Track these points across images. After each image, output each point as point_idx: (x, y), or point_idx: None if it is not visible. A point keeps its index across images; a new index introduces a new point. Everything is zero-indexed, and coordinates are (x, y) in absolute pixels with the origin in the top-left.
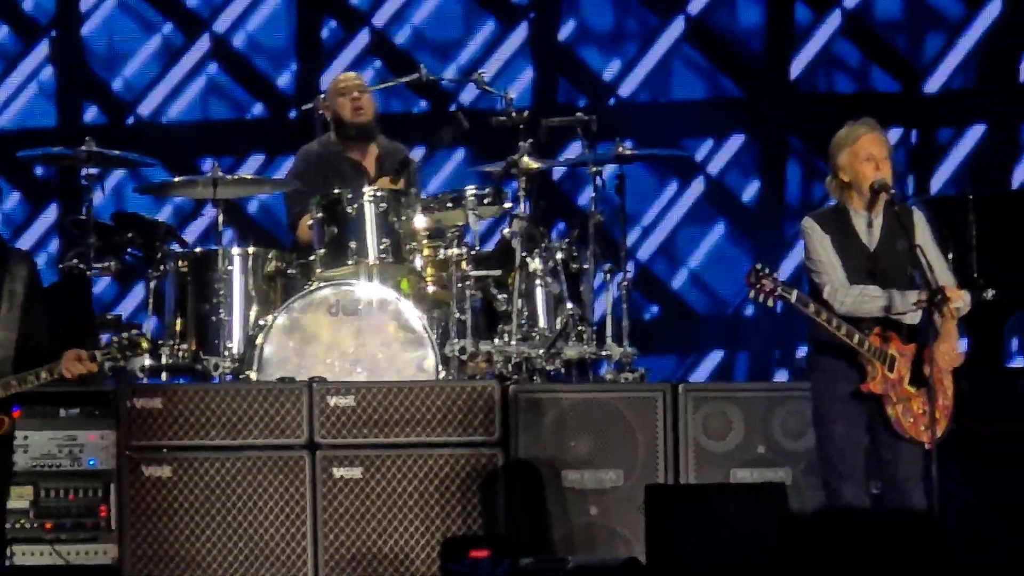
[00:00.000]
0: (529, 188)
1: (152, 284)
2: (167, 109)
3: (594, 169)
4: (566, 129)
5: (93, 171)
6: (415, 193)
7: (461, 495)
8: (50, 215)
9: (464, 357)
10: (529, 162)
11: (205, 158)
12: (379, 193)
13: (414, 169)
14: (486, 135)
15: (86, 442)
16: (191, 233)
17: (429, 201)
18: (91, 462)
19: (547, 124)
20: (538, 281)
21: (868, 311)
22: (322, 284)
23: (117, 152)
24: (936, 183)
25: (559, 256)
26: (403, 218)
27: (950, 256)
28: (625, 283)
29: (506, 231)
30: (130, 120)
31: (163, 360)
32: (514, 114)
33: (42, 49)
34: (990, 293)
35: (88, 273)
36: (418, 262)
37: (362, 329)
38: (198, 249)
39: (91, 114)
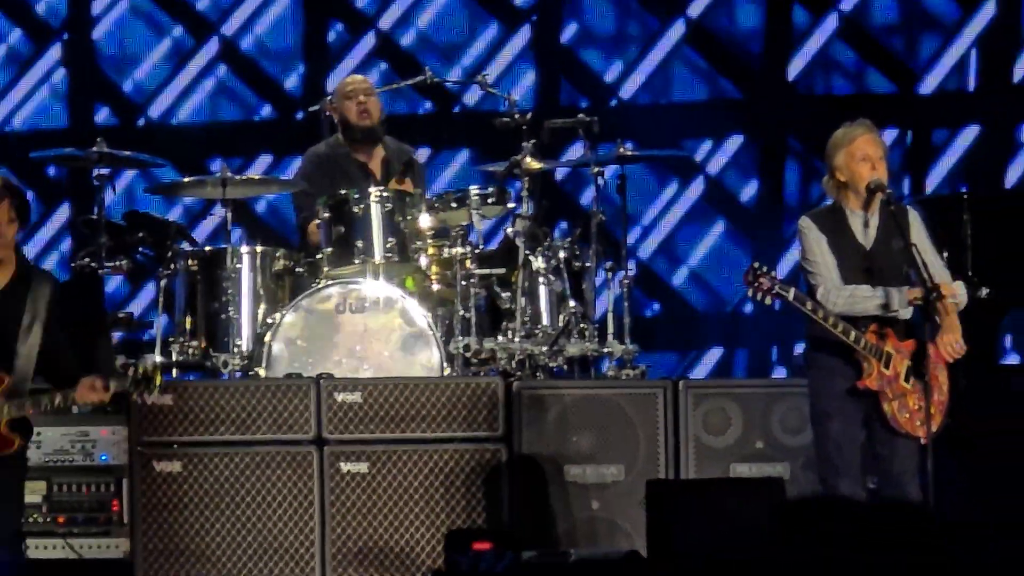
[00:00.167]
0: (532, 188)
1: (163, 282)
2: (177, 111)
3: (596, 169)
4: (568, 130)
5: (104, 172)
6: (420, 193)
7: (466, 489)
8: (62, 215)
9: (468, 354)
10: (532, 162)
11: (214, 159)
12: (385, 193)
13: (419, 169)
14: (490, 136)
15: (98, 438)
16: (201, 232)
17: (434, 201)
18: (103, 457)
19: (549, 125)
20: (541, 279)
21: (862, 310)
22: (329, 282)
23: (128, 153)
24: (931, 183)
25: (562, 255)
26: (408, 218)
27: (945, 255)
28: (626, 281)
29: (509, 230)
30: (141, 122)
31: (173, 357)
32: (517, 115)
33: (54, 52)
34: (984, 292)
35: (100, 272)
36: (423, 261)
37: (368, 326)
38: (208, 248)
39: (102, 116)
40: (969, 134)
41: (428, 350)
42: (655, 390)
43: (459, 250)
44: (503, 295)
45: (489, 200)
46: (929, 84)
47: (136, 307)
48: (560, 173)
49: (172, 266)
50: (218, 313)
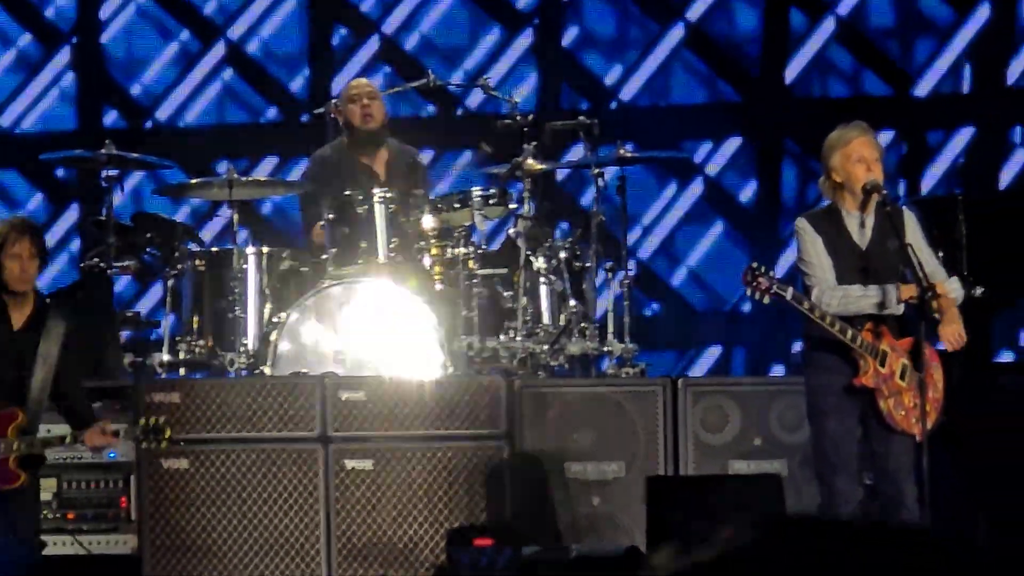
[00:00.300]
0: (533, 189)
1: (170, 282)
2: (184, 113)
3: (596, 171)
4: (569, 132)
5: (113, 173)
6: (423, 194)
7: (468, 486)
8: (71, 215)
9: (471, 353)
10: (533, 164)
11: (221, 160)
12: (389, 194)
13: (423, 171)
14: (492, 138)
15: None
16: (207, 233)
17: (437, 202)
18: (111, 455)
19: (551, 127)
20: (542, 279)
21: (857, 309)
22: (334, 282)
23: (136, 155)
24: (926, 184)
25: (563, 255)
26: (412, 218)
27: (940, 255)
28: (626, 281)
29: (511, 231)
30: (148, 124)
31: (180, 356)
32: (519, 118)
33: (64, 56)
34: (979, 291)
35: (108, 272)
36: (427, 261)
37: (373, 326)
38: (214, 248)
39: (111, 118)
40: (964, 136)
41: (431, 349)
42: (655, 388)
43: (462, 250)
44: (505, 295)
45: (491, 201)
46: (924, 87)
47: (144, 306)
48: (561, 174)
49: (179, 266)
50: (225, 312)
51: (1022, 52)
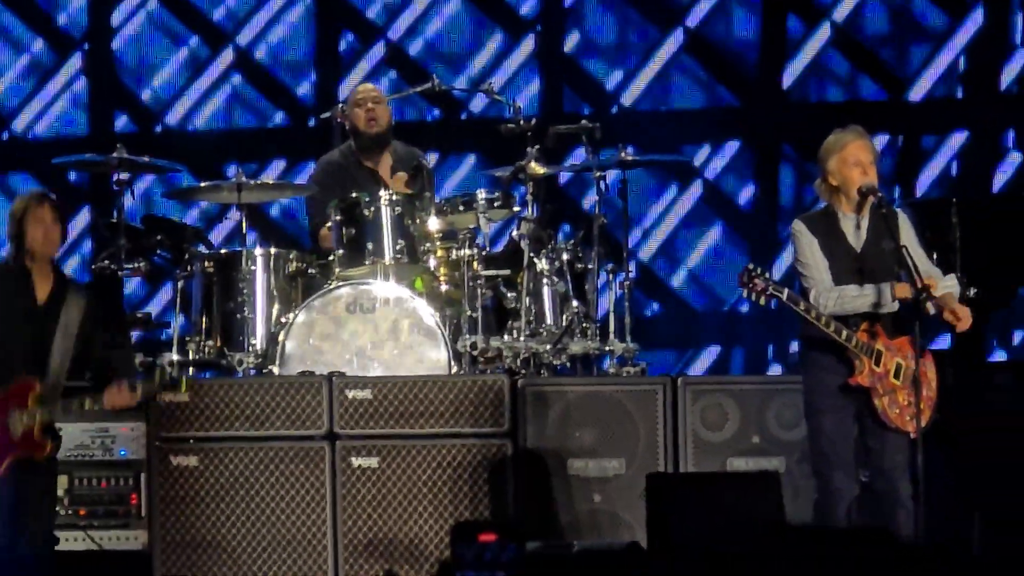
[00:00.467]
0: (536, 192)
1: (180, 284)
2: (193, 118)
3: (598, 174)
4: (571, 136)
5: (123, 177)
6: (429, 197)
7: (472, 483)
8: (83, 218)
9: (475, 353)
10: (536, 167)
11: (229, 164)
12: (395, 197)
13: (428, 173)
14: (496, 142)
15: (118, 433)
16: (216, 235)
17: (442, 204)
18: (122, 452)
19: (553, 131)
20: (545, 280)
21: (853, 308)
22: (340, 283)
23: (146, 159)
24: (921, 187)
25: (565, 257)
26: (417, 221)
27: (934, 257)
28: (627, 282)
29: (515, 233)
30: (158, 128)
31: (190, 356)
32: (522, 122)
33: (75, 62)
34: (972, 292)
35: (119, 273)
36: (432, 262)
37: (378, 326)
38: (223, 250)
39: (121, 123)
40: (957, 140)
41: (436, 349)
42: (655, 387)
43: (466, 252)
44: (509, 295)
45: (495, 204)
46: (918, 92)
47: (154, 307)
48: (563, 177)
49: (189, 268)
50: (233, 313)
51: (1014, 58)
